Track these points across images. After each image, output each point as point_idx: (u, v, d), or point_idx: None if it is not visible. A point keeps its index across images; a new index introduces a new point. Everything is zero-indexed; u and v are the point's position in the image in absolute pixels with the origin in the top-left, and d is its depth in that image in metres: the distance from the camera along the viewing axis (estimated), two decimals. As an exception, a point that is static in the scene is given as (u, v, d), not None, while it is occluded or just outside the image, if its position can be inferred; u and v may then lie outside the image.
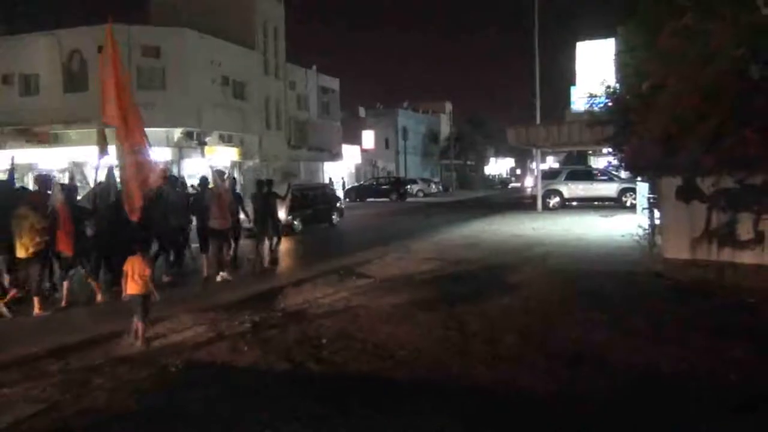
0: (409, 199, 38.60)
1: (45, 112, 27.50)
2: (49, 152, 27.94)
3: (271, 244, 11.70)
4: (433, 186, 47.61)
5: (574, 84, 31.79)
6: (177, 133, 28.89)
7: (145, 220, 8.22)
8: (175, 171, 27.58)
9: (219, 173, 10.38)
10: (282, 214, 12.42)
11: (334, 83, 44.23)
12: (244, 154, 33.00)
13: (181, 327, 7.07)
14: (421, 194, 43.20)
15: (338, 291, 9.01)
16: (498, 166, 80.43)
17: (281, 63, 37.03)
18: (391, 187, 39.39)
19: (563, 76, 34.13)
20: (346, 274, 10.36)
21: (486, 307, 7.74)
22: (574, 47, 31.25)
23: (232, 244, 10.93)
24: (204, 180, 10.94)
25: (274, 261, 11.68)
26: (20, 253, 7.53)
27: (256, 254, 11.11)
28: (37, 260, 7.59)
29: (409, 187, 41.84)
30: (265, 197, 11.48)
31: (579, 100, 25.25)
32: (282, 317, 7.50)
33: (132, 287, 6.45)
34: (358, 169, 48.86)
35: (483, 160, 71.01)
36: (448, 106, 69.42)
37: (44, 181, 8.60)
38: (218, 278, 9.83)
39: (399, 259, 12.02)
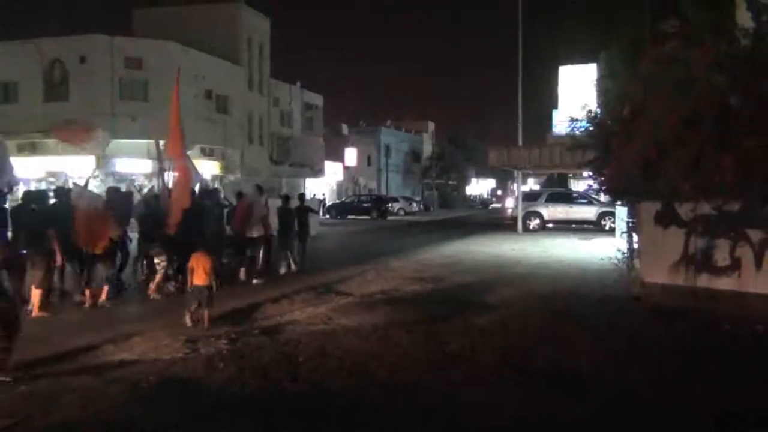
0: (390, 218, 38.75)
1: (24, 120, 27.29)
2: (26, 161, 27.48)
3: (298, 253, 12.79)
4: (415, 205, 47.78)
5: (556, 107, 32.22)
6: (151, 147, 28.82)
7: (185, 228, 9.33)
8: (154, 183, 27.32)
9: (258, 188, 12.17)
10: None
11: (317, 99, 44.47)
12: (226, 168, 32.88)
13: (156, 342, 6.95)
14: (402, 213, 43.48)
15: (317, 308, 8.95)
16: (479, 187, 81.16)
17: (265, 78, 37.23)
18: (373, 204, 39.46)
19: (546, 99, 34.64)
20: (325, 292, 10.29)
21: (466, 327, 7.75)
22: (556, 71, 31.76)
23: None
24: (240, 193, 12.48)
25: (300, 269, 12.62)
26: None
27: (284, 261, 12.36)
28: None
29: (390, 205, 42.03)
30: (297, 211, 12.79)
31: (561, 123, 25.58)
32: (258, 334, 7.40)
33: (198, 279, 7.54)
34: (340, 186, 49.13)
35: (464, 180, 71.72)
36: (431, 126, 70.13)
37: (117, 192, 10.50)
38: (254, 282, 10.95)
39: (379, 277, 12.01)
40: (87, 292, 8.77)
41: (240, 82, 34.11)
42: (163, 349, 6.69)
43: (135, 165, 28.30)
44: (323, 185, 45.93)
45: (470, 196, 74.86)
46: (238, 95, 33.76)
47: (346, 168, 50.12)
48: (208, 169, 30.75)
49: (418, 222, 35.63)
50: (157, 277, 9.50)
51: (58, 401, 5.12)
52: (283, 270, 12.30)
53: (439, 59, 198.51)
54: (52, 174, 27.65)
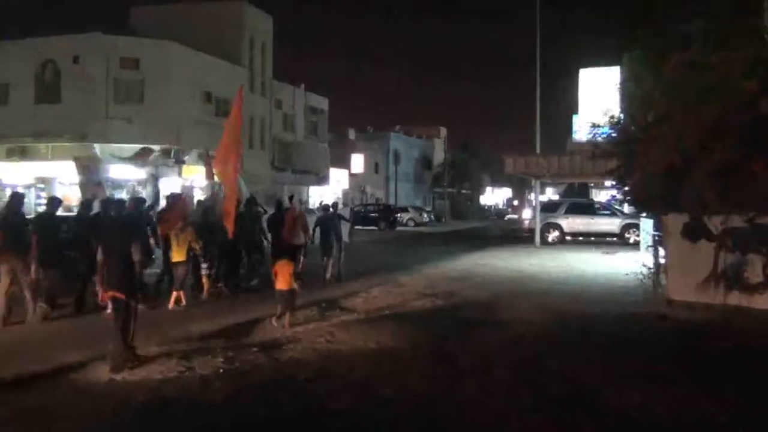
0: (398, 228, 38.73)
1: (14, 123, 27.53)
2: (15, 167, 27.92)
3: (336, 262, 13.82)
4: (425, 215, 47.70)
5: (576, 112, 32.35)
6: (154, 150, 28.85)
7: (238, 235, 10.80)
8: (149, 190, 27.51)
9: (291, 198, 13.87)
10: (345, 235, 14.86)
11: (323, 103, 44.59)
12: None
13: (149, 360, 6.97)
14: (411, 223, 43.43)
15: (320, 325, 9.00)
16: (494, 196, 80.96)
17: (268, 80, 37.36)
18: (380, 214, 39.48)
19: (565, 104, 34.70)
20: (329, 308, 10.35)
21: (477, 345, 7.75)
22: (577, 74, 31.81)
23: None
24: (280, 202, 13.86)
25: (339, 278, 13.64)
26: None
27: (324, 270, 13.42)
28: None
29: (399, 215, 42.03)
30: (331, 218, 13.95)
31: (581, 129, 25.63)
32: (258, 352, 7.43)
33: (281, 283, 8.84)
34: (345, 194, 48.94)
35: (478, 189, 71.58)
36: (443, 131, 69.98)
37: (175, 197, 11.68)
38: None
39: (386, 293, 12.04)
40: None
41: (241, 83, 34.09)
42: (156, 367, 6.72)
43: (131, 171, 28.42)
44: (328, 193, 45.94)
45: (485, 206, 74.84)
46: None
47: (352, 175, 50.18)
48: (205, 175, 30.91)
49: (429, 233, 35.65)
50: (178, 287, 10.19)
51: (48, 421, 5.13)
52: (328, 275, 13.63)
53: (453, 62, 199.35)
54: (41, 180, 27.86)
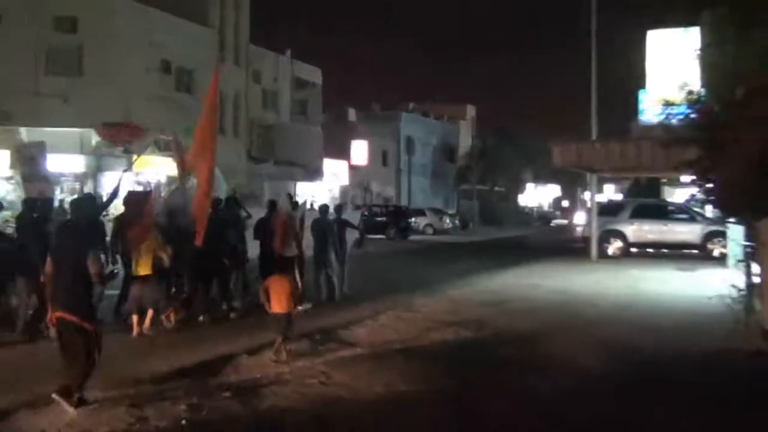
0: (413, 237, 38.75)
1: None
2: None
3: (340, 276, 14.52)
4: (447, 220, 47.77)
5: (643, 87, 32.25)
6: (95, 136, 29.13)
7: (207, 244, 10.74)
8: (89, 188, 27.61)
9: (289, 197, 14.11)
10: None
11: (315, 74, 44.80)
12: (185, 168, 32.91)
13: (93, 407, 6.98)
14: (430, 230, 43.49)
15: (313, 362, 9.03)
16: (537, 195, 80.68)
17: (243, 44, 37.32)
18: (390, 219, 39.55)
19: (629, 77, 34.48)
20: (324, 339, 10.38)
21: (513, 395, 7.74)
22: (643, 37, 31.70)
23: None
24: (273, 203, 14.13)
25: (333, 298, 14.21)
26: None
27: (320, 287, 13.98)
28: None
29: (413, 220, 42.14)
30: (329, 224, 14.50)
31: (649, 108, 26.10)
32: (230, 398, 7.45)
33: (277, 305, 9.03)
34: (344, 192, 48.97)
35: (517, 187, 71.26)
36: (471, 111, 70.35)
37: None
38: (300, 309, 11.23)
39: (397, 320, 12.08)
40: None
41: (209, 49, 34.20)
42: (101, 417, 6.73)
43: (66, 162, 28.55)
44: (321, 191, 45.78)
45: (525, 208, 74.42)
46: (205, 67, 33.20)
47: (352, 167, 50.22)
48: (162, 169, 30.85)
49: (453, 244, 35.56)
50: (150, 311, 10.69)
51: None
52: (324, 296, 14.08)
53: (483, 26, 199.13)
54: None
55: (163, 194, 13.17)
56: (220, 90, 34.31)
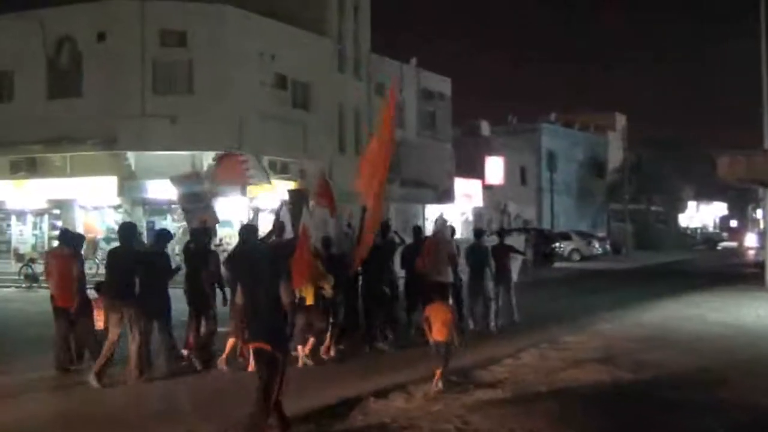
0: (557, 264, 38.45)
1: (19, 127, 27.61)
2: (22, 186, 28.50)
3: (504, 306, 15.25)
4: (597, 244, 46.86)
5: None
6: (207, 158, 28.64)
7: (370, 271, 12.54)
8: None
9: (442, 221, 14.77)
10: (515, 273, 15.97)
11: (443, 85, 44.30)
12: (304, 191, 31.57)
13: None
14: (576, 256, 43.02)
15: (447, 405, 9.09)
16: (701, 215, 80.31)
17: (364, 55, 36.88)
18: (531, 244, 37.33)
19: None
20: (461, 380, 10.38)
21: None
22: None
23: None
24: (418, 228, 15.28)
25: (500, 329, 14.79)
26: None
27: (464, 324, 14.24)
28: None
29: (558, 245, 41.52)
30: (485, 251, 14.89)
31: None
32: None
33: (438, 334, 9.58)
34: (478, 215, 47.95)
35: (677, 206, 70.15)
36: (621, 120, 68.29)
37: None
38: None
39: (542, 359, 12.15)
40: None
41: (327, 61, 33.85)
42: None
43: (174, 189, 27.83)
44: (453, 213, 43.83)
45: (686, 229, 73.18)
46: (324, 80, 33.46)
47: (487, 187, 48.99)
48: (279, 194, 29.67)
49: (603, 271, 35.36)
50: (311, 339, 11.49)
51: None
52: (471, 325, 14.61)
53: (630, 24, 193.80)
54: (57, 203, 28.37)
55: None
56: (338, 104, 33.95)
